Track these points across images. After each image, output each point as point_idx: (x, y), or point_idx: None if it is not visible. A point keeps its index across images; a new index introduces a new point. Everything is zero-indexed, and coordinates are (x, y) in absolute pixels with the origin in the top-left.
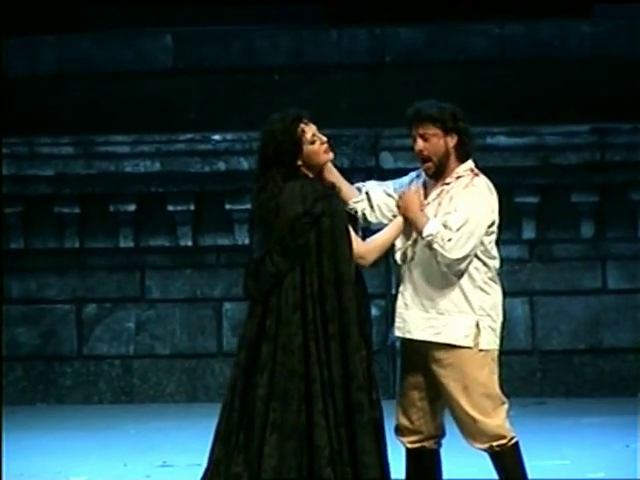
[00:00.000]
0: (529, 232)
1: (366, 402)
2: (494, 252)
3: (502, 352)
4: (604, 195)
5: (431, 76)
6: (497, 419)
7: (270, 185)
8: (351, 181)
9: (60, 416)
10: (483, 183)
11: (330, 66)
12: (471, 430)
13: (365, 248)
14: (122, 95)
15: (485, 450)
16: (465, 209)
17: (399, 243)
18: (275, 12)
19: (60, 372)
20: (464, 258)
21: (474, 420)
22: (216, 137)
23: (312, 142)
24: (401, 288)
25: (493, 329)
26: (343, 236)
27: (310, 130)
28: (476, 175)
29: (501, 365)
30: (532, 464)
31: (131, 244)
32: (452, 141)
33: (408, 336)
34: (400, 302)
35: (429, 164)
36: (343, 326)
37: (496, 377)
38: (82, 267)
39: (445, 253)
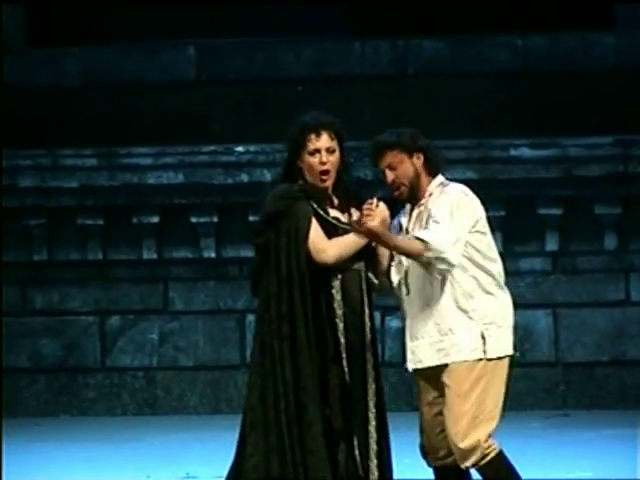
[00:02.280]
0: (552, 244)
1: (310, 403)
2: (493, 254)
3: (525, 364)
4: (627, 207)
5: (453, 87)
6: (479, 432)
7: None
8: (373, 192)
9: (83, 428)
10: (454, 188)
11: (353, 77)
12: (453, 436)
13: (328, 243)
14: (145, 107)
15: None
16: (438, 210)
17: (394, 278)
18: (298, 24)
19: (83, 384)
20: (453, 243)
21: (458, 429)
22: (239, 149)
23: (311, 154)
24: (406, 322)
25: (502, 335)
26: (300, 237)
27: (317, 143)
28: (444, 185)
29: (524, 377)
30: (554, 476)
31: (154, 256)
32: (419, 161)
33: (420, 366)
34: (407, 335)
35: (402, 189)
36: (292, 326)
37: (495, 389)
38: (105, 279)
39: (432, 243)
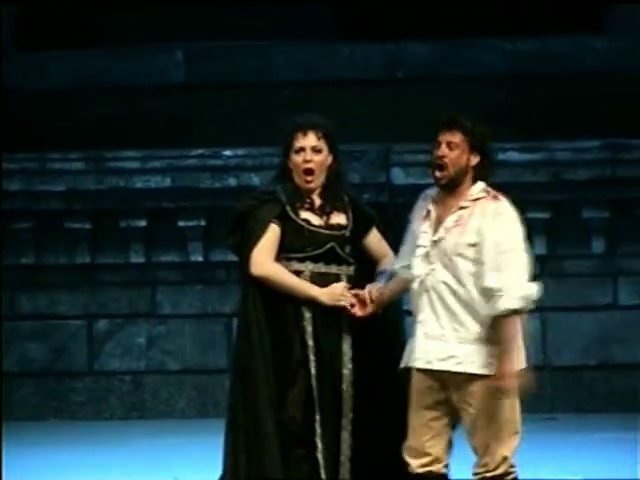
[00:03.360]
0: (540, 248)
1: (260, 405)
2: None
3: None
4: (615, 211)
5: (443, 91)
6: (507, 449)
7: None
8: (360, 196)
9: (71, 432)
10: (507, 206)
11: (342, 81)
12: (482, 454)
13: (268, 261)
14: (133, 110)
15: (481, 475)
16: (510, 244)
17: (417, 271)
18: (287, 28)
19: (71, 388)
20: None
21: (487, 447)
22: (227, 153)
23: (297, 152)
24: (420, 317)
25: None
26: (251, 239)
27: (302, 141)
28: (495, 197)
29: None
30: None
31: (142, 260)
32: (474, 160)
33: (429, 367)
34: (420, 332)
35: (444, 173)
36: (247, 328)
37: (517, 403)
38: (93, 283)
39: (520, 300)
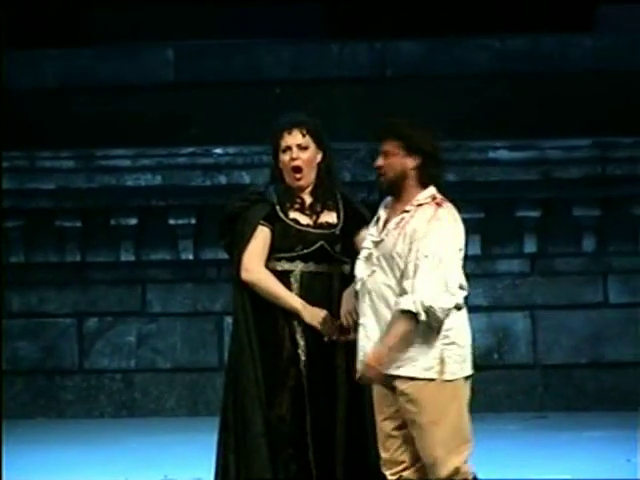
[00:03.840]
0: (530, 246)
1: (249, 405)
2: (463, 282)
3: (503, 366)
4: (605, 209)
5: (432, 90)
6: (457, 458)
7: None
8: (354, 194)
9: (61, 430)
10: (447, 214)
11: (331, 80)
12: (431, 466)
13: (257, 267)
14: (123, 109)
15: None
16: (433, 249)
17: (358, 273)
18: (276, 26)
19: (61, 386)
20: (444, 291)
21: (435, 457)
22: (217, 151)
23: (284, 151)
24: (362, 319)
25: (460, 356)
26: (241, 241)
27: (288, 140)
28: (438, 205)
29: (502, 379)
30: (533, 478)
31: (132, 258)
32: (413, 162)
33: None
34: (362, 334)
35: (382, 179)
36: (236, 328)
37: (465, 411)
38: (83, 281)
39: (418, 308)
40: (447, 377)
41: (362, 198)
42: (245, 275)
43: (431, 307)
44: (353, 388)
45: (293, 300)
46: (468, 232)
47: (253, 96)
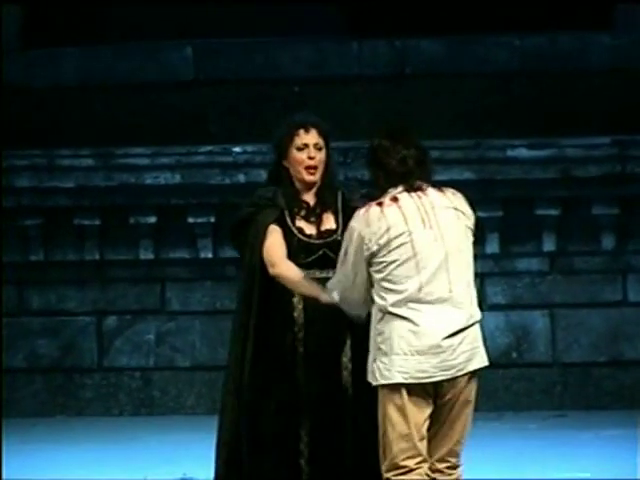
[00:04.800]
0: (550, 245)
1: (229, 403)
2: (399, 286)
3: (522, 365)
4: (625, 207)
5: (451, 88)
6: (384, 466)
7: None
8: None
9: (80, 428)
10: (361, 213)
11: (350, 78)
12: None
13: (282, 261)
14: (142, 107)
15: None
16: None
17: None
18: (296, 24)
19: (80, 384)
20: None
21: (383, 457)
22: (236, 149)
23: (300, 149)
24: None
25: (385, 362)
26: (255, 245)
27: (305, 138)
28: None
29: (521, 378)
30: (552, 477)
31: (151, 256)
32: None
33: None
34: None
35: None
36: (245, 335)
37: (402, 417)
38: (102, 279)
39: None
40: (380, 381)
41: (364, 193)
42: (273, 270)
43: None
44: (358, 391)
45: (316, 290)
46: (487, 230)
47: (272, 94)
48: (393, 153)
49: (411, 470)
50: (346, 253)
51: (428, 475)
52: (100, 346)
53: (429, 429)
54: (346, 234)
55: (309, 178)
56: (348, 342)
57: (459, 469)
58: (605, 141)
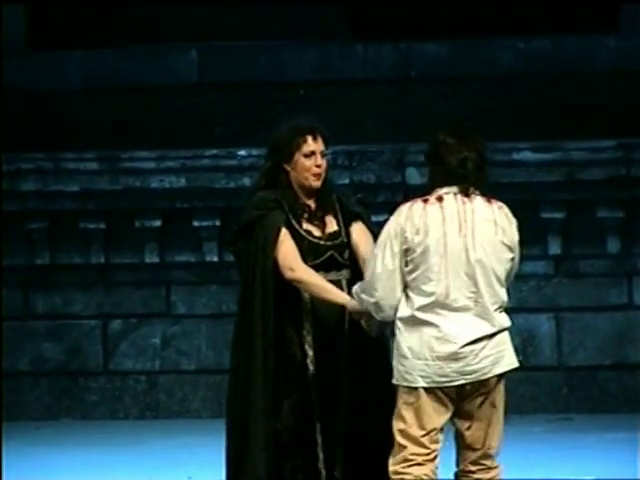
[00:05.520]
0: (555, 248)
1: (252, 416)
2: (427, 287)
3: (528, 368)
4: (630, 210)
5: (457, 91)
6: (392, 460)
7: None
8: (378, 197)
9: (85, 432)
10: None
11: (356, 81)
12: None
13: (300, 266)
14: (147, 110)
15: None
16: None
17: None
18: (301, 27)
19: (85, 387)
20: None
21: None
22: (241, 152)
23: (307, 156)
24: None
25: (406, 366)
26: (267, 248)
27: (313, 146)
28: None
29: (527, 381)
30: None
31: (156, 260)
32: None
33: None
34: None
35: None
36: (250, 338)
37: (413, 419)
38: (107, 283)
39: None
40: (395, 382)
41: (358, 198)
42: (291, 274)
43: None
44: (361, 394)
45: (341, 296)
46: None
47: (277, 97)
48: (456, 153)
49: (420, 464)
50: (385, 247)
51: (434, 473)
52: (105, 349)
53: (460, 434)
54: (384, 228)
55: (315, 184)
56: (347, 345)
57: (496, 470)
58: (610, 144)
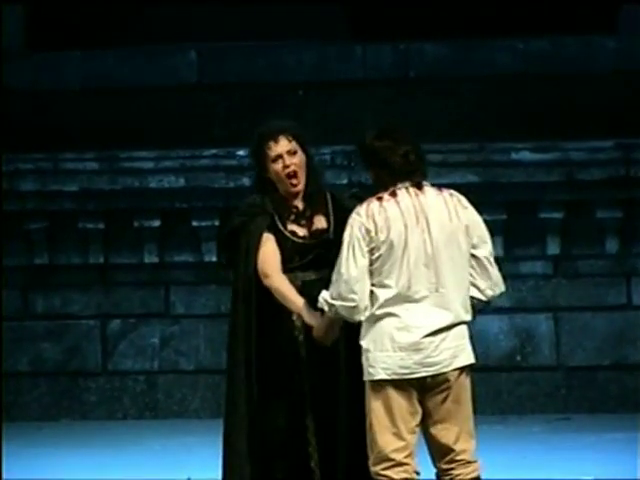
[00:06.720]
0: (554, 248)
1: (237, 422)
2: (390, 281)
3: (527, 368)
4: (629, 211)
5: (455, 91)
6: (370, 462)
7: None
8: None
9: (84, 432)
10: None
11: (354, 82)
12: None
13: (274, 273)
14: (146, 110)
15: None
16: None
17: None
18: (299, 28)
19: (84, 388)
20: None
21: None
22: (240, 152)
23: (274, 161)
24: None
25: (370, 359)
26: (250, 254)
27: (277, 149)
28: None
29: (526, 381)
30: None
31: (155, 260)
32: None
33: None
34: None
35: None
36: (234, 343)
37: (387, 411)
38: (106, 283)
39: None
40: (365, 377)
41: (353, 192)
42: (265, 280)
43: None
44: (355, 394)
45: (302, 307)
46: (491, 233)
47: (276, 98)
48: (398, 151)
49: (399, 464)
50: (354, 249)
51: (417, 472)
52: (104, 350)
53: (430, 435)
54: (346, 232)
55: (293, 190)
56: (343, 342)
57: (475, 464)
58: (609, 144)
